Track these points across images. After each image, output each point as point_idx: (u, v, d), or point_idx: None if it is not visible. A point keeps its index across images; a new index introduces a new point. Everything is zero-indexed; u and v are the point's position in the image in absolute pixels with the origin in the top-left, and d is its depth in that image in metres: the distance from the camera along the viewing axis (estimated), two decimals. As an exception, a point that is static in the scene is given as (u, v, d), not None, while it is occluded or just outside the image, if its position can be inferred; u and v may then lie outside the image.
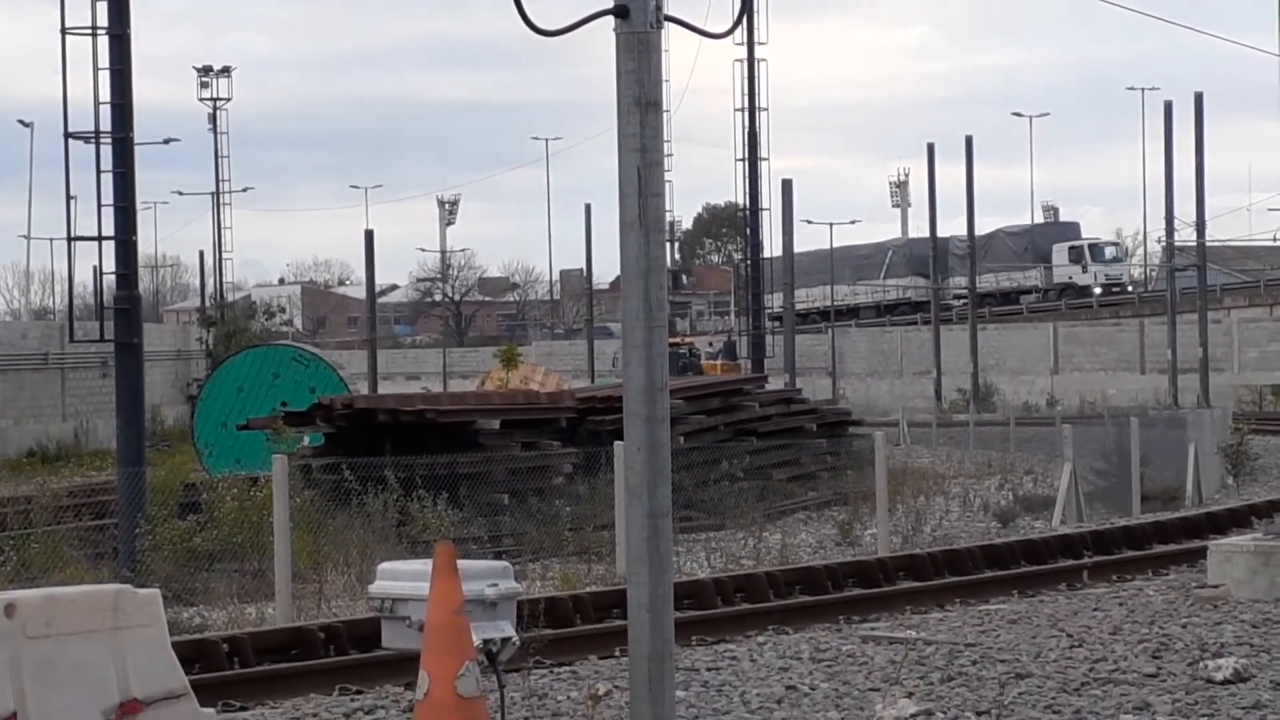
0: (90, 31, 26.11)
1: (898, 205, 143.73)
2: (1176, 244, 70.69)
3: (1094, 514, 28.64)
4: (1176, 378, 66.49)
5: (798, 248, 64.23)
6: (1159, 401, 63.74)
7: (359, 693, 13.66)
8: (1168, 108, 68.80)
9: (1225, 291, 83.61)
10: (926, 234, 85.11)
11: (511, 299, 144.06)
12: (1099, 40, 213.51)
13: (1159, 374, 72.40)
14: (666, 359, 9.02)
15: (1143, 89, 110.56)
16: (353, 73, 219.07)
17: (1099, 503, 29.93)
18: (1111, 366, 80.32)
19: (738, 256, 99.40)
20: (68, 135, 26.81)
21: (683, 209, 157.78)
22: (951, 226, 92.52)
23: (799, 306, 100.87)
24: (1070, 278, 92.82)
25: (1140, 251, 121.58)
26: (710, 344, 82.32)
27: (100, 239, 26.45)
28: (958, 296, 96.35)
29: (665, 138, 8.95)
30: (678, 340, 73.24)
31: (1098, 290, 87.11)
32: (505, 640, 9.88)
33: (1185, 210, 72.07)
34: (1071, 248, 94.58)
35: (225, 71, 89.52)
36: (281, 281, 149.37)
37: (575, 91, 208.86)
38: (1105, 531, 23.74)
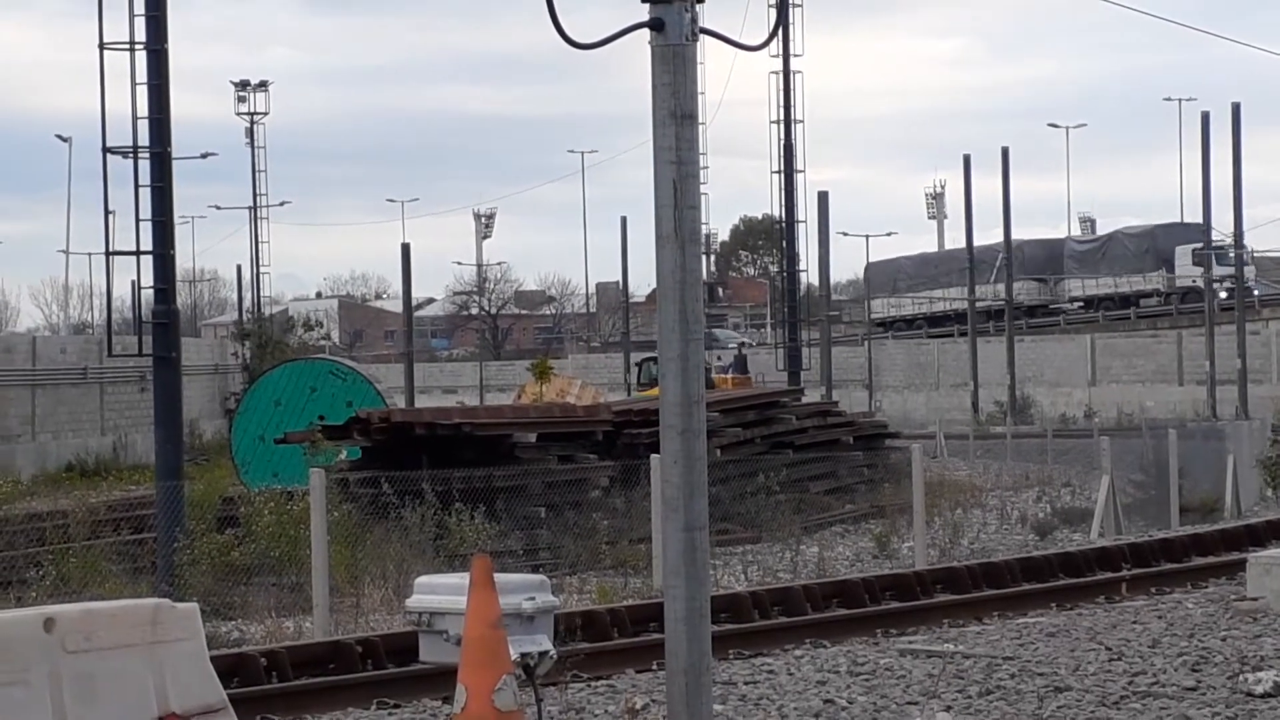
0: (129, 47, 26.25)
1: (934, 217, 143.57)
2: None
3: (1132, 526, 28.54)
4: (1215, 389, 66.33)
5: (873, 254, 64.20)
6: (1197, 413, 63.57)
7: (396, 706, 13.67)
8: (1205, 118, 68.75)
9: (1264, 302, 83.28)
10: (994, 240, 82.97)
11: (548, 312, 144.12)
12: (1136, 51, 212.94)
13: (1197, 385, 72.19)
14: (702, 372, 9.00)
15: (1180, 100, 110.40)
16: (389, 87, 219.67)
17: (1137, 515, 29.83)
18: (1149, 378, 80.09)
19: (774, 269, 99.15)
20: (106, 150, 26.94)
21: (719, 221, 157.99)
22: (989, 238, 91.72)
23: (901, 313, 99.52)
24: (1195, 281, 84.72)
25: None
26: (719, 358, 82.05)
27: (138, 253, 26.57)
28: (1073, 300, 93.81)
29: (701, 150, 8.90)
30: None
31: (1223, 294, 79.78)
32: (542, 654, 9.87)
33: (1223, 221, 71.96)
34: (1196, 250, 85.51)
35: (263, 86, 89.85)
36: (318, 295, 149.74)
37: (611, 104, 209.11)
38: (1143, 544, 23.65)
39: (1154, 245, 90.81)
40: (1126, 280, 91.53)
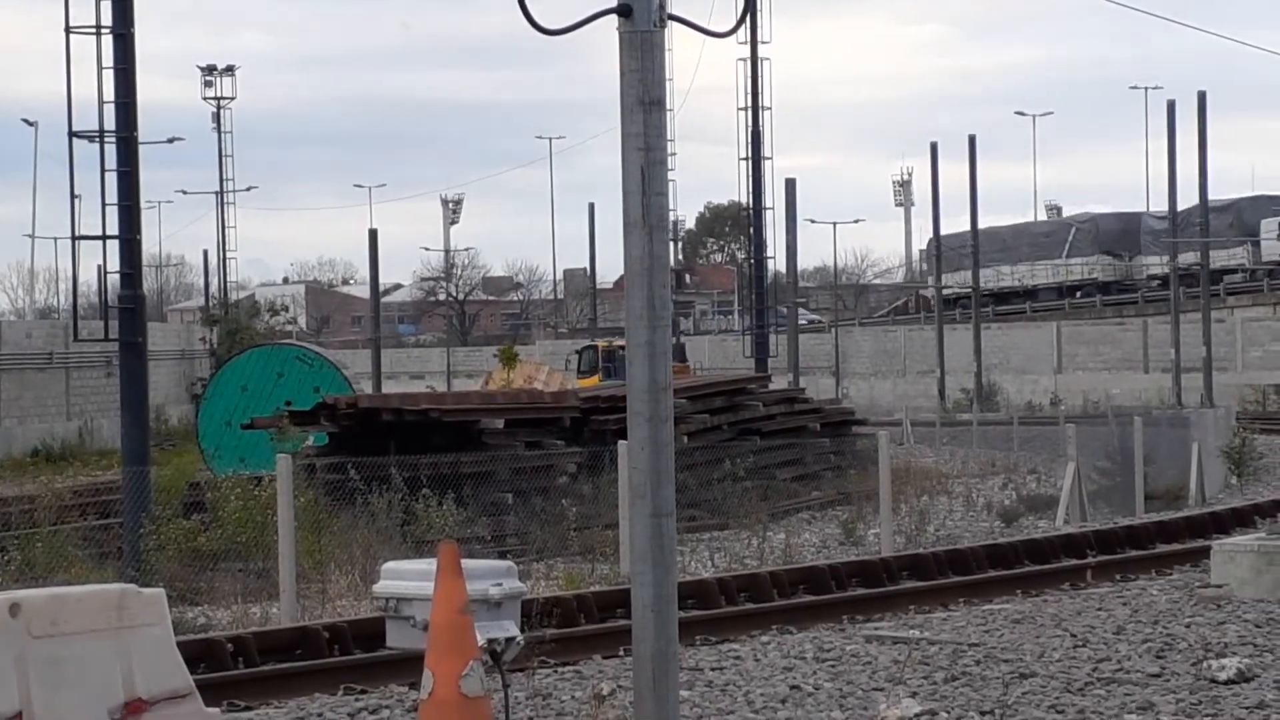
0: (95, 30, 26.15)
1: (901, 204, 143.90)
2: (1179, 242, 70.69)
3: (1097, 514, 28.63)
4: (1180, 377, 66.51)
5: (841, 242, 63.90)
6: (1162, 401, 63.75)
7: (363, 692, 13.67)
8: (1171, 106, 68.88)
9: (1230, 291, 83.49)
10: (1075, 212, 77.98)
11: (515, 298, 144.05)
12: (1102, 39, 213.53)
13: (1163, 373, 72.40)
14: (670, 358, 9.02)
15: (1146, 88, 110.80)
16: (357, 71, 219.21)
17: (1102, 502, 29.93)
18: (1115, 366, 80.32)
19: (741, 255, 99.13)
20: (72, 134, 26.85)
21: (686, 208, 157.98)
22: (955, 224, 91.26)
23: (959, 290, 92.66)
24: None
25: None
26: None
27: (104, 238, 26.49)
28: (1152, 278, 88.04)
29: (669, 137, 8.92)
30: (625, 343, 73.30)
31: None
32: (509, 640, 9.89)
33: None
34: (1161, 236, 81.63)
35: (229, 70, 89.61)
36: (285, 280, 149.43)
37: (579, 90, 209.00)
38: (1109, 531, 23.74)
39: (1239, 219, 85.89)
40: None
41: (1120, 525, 24.79)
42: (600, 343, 73.07)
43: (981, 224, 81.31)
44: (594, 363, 66.82)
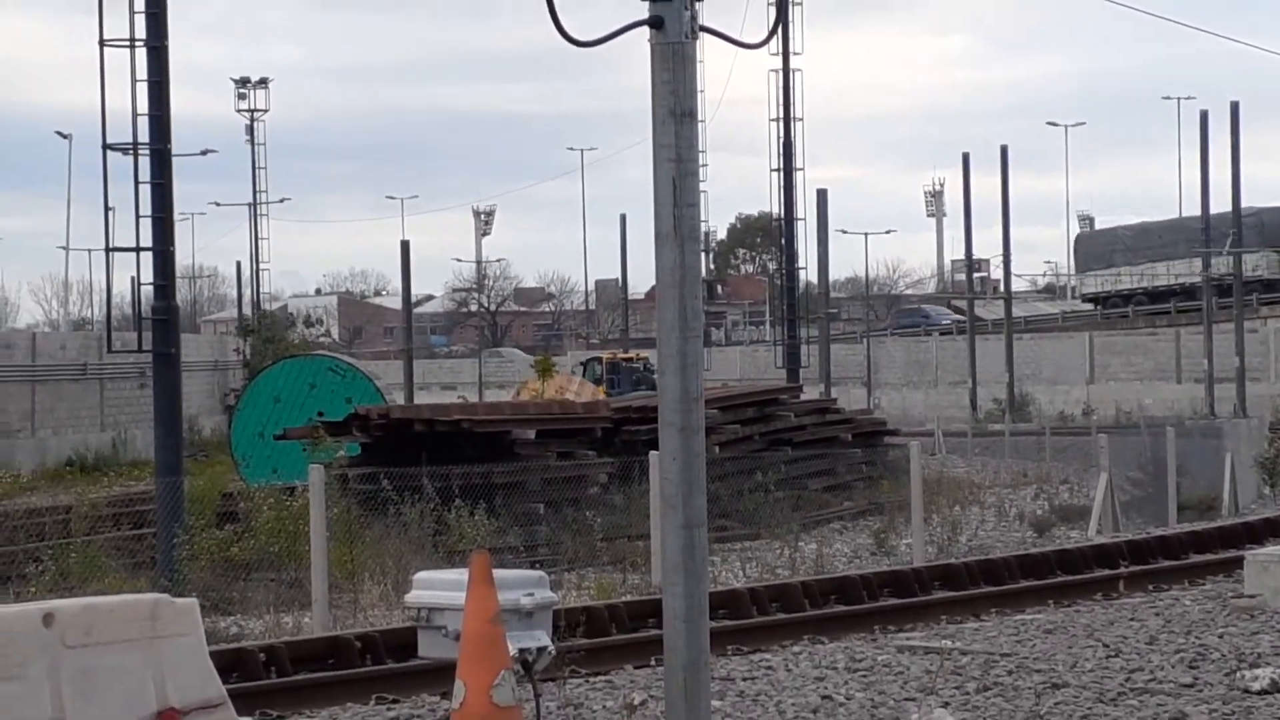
0: (129, 43, 26.24)
1: (933, 215, 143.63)
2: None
3: (1130, 524, 28.56)
4: (1213, 387, 66.31)
5: (872, 254, 63.39)
6: (1195, 411, 63.52)
7: (395, 702, 13.69)
8: (1203, 116, 68.76)
9: (1262, 301, 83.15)
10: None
11: (547, 309, 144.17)
12: (1135, 49, 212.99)
13: (1195, 383, 72.16)
14: (701, 369, 9.03)
15: (1179, 98, 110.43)
16: (389, 84, 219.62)
17: (1135, 512, 29.86)
18: (1148, 376, 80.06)
19: (773, 266, 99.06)
20: (106, 147, 26.94)
21: (717, 219, 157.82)
22: (989, 236, 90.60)
23: (1117, 287, 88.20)
24: None
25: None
26: (646, 358, 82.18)
27: (138, 250, 26.57)
28: None
29: (700, 148, 8.93)
30: (631, 356, 73.57)
31: None
32: (541, 649, 9.90)
33: (1221, 220, 71.88)
34: (1197, 248, 77.54)
35: (263, 83, 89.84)
36: (318, 292, 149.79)
37: (610, 102, 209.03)
38: (1141, 541, 23.69)
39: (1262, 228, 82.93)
40: None
41: (1153, 535, 24.74)
42: (605, 355, 73.28)
43: (972, 235, 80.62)
44: (598, 375, 67.10)
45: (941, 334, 79.30)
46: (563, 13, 8.65)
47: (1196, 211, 75.18)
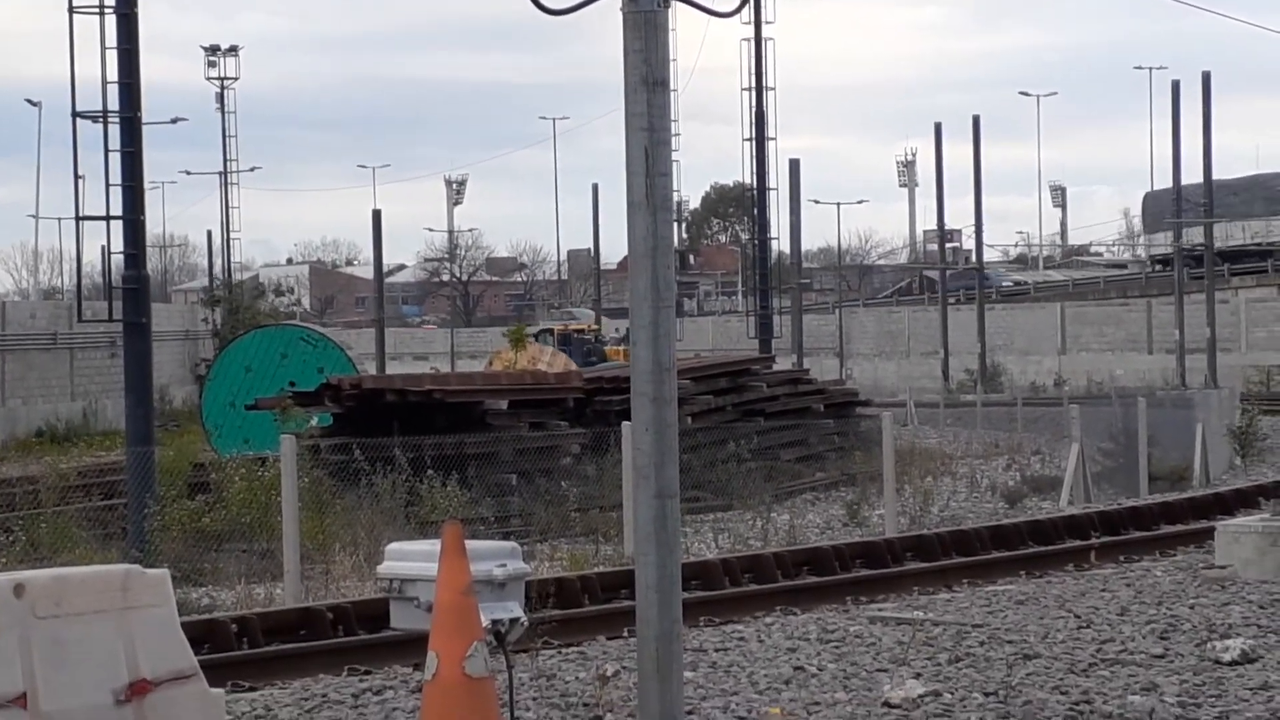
0: (98, 10, 26.11)
1: (905, 185, 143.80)
2: (1184, 223, 70.61)
3: (1101, 495, 28.63)
4: (1184, 358, 66.54)
5: (844, 223, 62.99)
6: (1166, 382, 63.74)
7: (367, 673, 13.67)
8: (1175, 87, 68.88)
9: (1233, 272, 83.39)
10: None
11: (519, 279, 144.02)
12: (1108, 20, 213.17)
13: (1167, 354, 72.40)
14: (674, 339, 9.01)
15: (1150, 68, 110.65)
16: (361, 53, 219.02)
17: (1106, 483, 29.93)
18: (1119, 347, 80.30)
19: (745, 236, 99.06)
20: (76, 115, 26.82)
21: (690, 188, 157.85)
22: (961, 206, 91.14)
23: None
24: None
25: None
26: (616, 330, 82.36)
27: (108, 219, 26.47)
28: None
29: (673, 117, 8.91)
30: (583, 327, 73.79)
31: None
32: (514, 621, 9.89)
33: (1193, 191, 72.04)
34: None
35: (233, 51, 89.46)
36: (289, 261, 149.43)
37: (583, 71, 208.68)
38: (1113, 512, 23.74)
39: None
40: None
41: (1124, 506, 24.79)
42: (556, 326, 73.48)
43: (944, 204, 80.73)
44: (550, 346, 67.32)
45: (1006, 296, 76.03)
46: (536, -19, 8.61)
47: (1168, 183, 75.18)
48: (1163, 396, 39.13)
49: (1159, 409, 33.34)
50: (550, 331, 71.44)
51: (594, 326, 79.43)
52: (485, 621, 9.18)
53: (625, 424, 19.41)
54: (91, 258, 47.84)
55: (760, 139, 59.72)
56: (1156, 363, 74.01)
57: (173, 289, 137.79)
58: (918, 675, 12.65)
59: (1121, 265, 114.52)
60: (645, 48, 8.82)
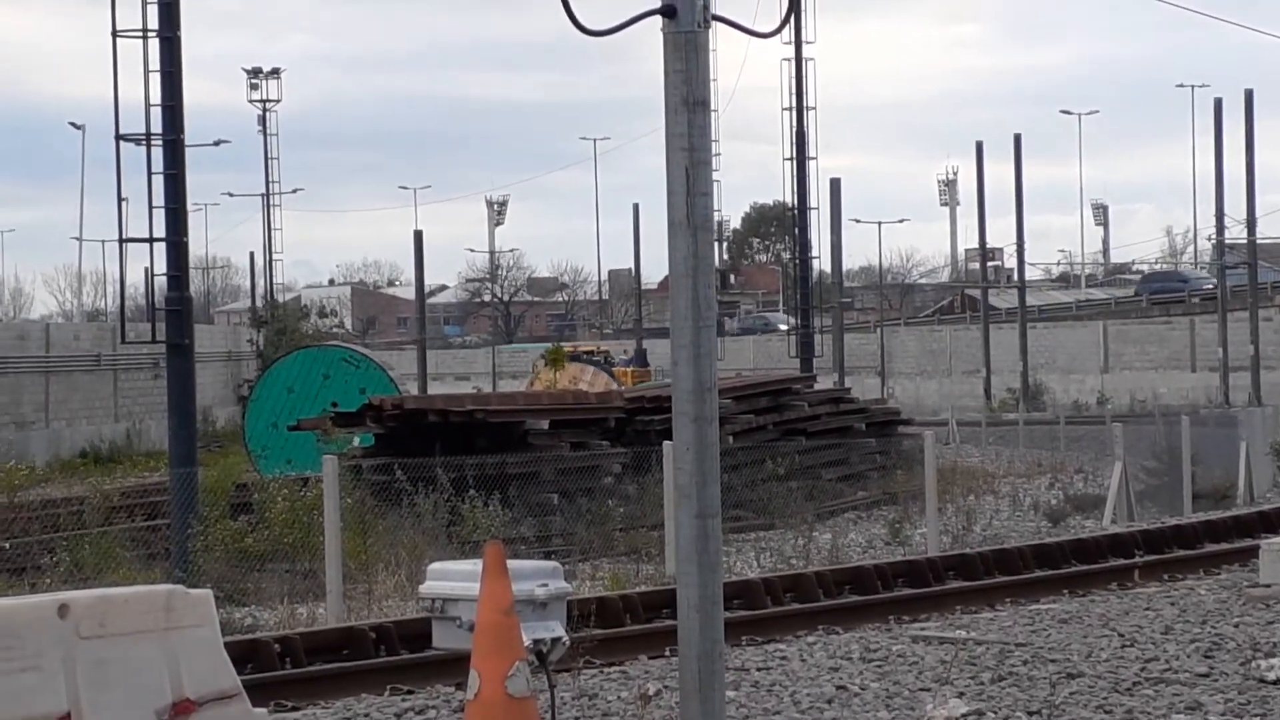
0: (141, 34, 26.25)
1: (946, 204, 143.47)
2: (1227, 241, 70.36)
3: (1145, 513, 28.52)
4: (1228, 376, 66.25)
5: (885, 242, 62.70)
6: (1210, 400, 63.49)
7: (410, 693, 13.69)
8: (1218, 105, 68.66)
9: (1277, 289, 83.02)
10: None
11: (560, 299, 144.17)
12: (1149, 37, 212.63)
13: (1210, 372, 72.09)
14: (715, 358, 9.00)
15: (1193, 86, 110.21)
16: (403, 73, 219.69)
17: (1150, 502, 29.82)
18: (1162, 365, 79.98)
19: (786, 256, 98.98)
20: (119, 137, 26.96)
21: (731, 208, 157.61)
22: (1002, 224, 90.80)
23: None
24: None
25: (1191, 249, 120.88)
26: (625, 352, 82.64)
27: (151, 240, 26.60)
28: None
29: (714, 137, 8.99)
30: (592, 348, 74.15)
31: None
32: (555, 640, 9.89)
33: (1236, 208, 71.80)
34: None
35: (274, 73, 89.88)
36: (331, 282, 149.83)
37: (623, 91, 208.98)
38: (1156, 530, 23.64)
39: None
40: None
41: (1168, 525, 24.69)
42: (566, 346, 73.90)
43: (985, 222, 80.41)
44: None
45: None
46: (576, 2, 8.63)
47: (1210, 202, 74.90)
48: (1206, 415, 39.00)
49: (1202, 427, 33.22)
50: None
51: (603, 348, 79.67)
52: (527, 641, 9.19)
53: (666, 443, 19.42)
54: (135, 280, 48.03)
55: (801, 158, 59.72)
56: (1200, 381, 73.69)
57: (215, 310, 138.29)
58: (961, 694, 12.62)
59: None
60: (686, 68, 8.83)
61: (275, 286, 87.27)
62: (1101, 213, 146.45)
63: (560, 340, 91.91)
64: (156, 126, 26.30)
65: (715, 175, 11.31)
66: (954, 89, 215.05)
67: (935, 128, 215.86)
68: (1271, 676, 12.99)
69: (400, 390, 39.14)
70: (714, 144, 8.29)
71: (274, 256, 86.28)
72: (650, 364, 77.49)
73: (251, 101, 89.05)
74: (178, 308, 26.53)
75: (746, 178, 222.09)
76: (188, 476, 24.87)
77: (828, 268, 69.99)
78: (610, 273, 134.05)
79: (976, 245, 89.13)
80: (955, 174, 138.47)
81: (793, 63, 59.90)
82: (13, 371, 53.55)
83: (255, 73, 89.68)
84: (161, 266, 26.70)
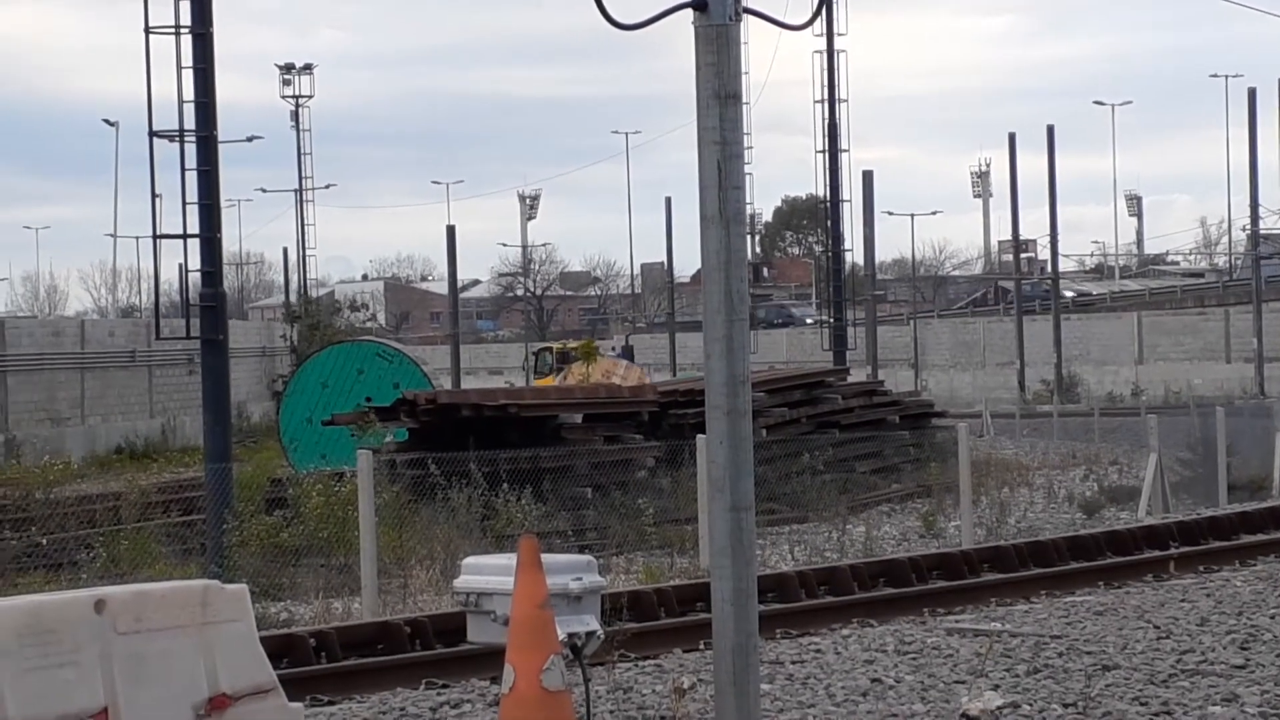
0: (174, 31, 26.30)
1: (979, 195, 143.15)
2: (1262, 231, 70.08)
3: (1180, 504, 28.44)
4: (1263, 366, 66.02)
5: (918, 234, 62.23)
6: (1245, 390, 63.29)
7: (445, 687, 13.72)
8: (1251, 95, 68.42)
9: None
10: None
11: (593, 293, 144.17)
12: (1182, 27, 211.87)
13: (1244, 363, 71.83)
14: (748, 352, 9.00)
15: (1226, 76, 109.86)
16: (435, 69, 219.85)
17: (1185, 493, 29.74)
18: (1196, 356, 79.73)
19: (819, 249, 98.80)
20: (152, 134, 27.01)
21: (763, 201, 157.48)
22: (1036, 216, 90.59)
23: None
24: None
25: (1225, 239, 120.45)
26: (613, 348, 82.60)
27: (185, 237, 26.66)
28: None
29: (745, 130, 9.00)
30: (576, 347, 74.39)
31: None
32: (590, 634, 9.90)
33: (1271, 198, 71.43)
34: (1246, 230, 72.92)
35: (307, 69, 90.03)
36: (365, 277, 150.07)
37: (655, 85, 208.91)
38: (1191, 522, 23.59)
39: None
40: None
41: (1203, 516, 24.62)
42: (555, 345, 74.01)
43: (1018, 215, 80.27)
44: (550, 364, 67.75)
45: (1081, 306, 72.37)
46: (607, -4, 8.63)
47: (1244, 193, 74.66)
48: (1241, 406, 38.89)
49: (1237, 418, 33.11)
50: (550, 350, 72.11)
51: (594, 344, 79.85)
52: (561, 635, 9.20)
53: (700, 437, 19.42)
54: (169, 276, 48.11)
55: (833, 151, 59.64)
56: (1234, 372, 73.42)
57: (249, 306, 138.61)
58: (996, 687, 12.61)
59: (1199, 274, 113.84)
60: (717, 61, 8.83)
61: (309, 282, 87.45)
62: (1136, 204, 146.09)
63: (593, 335, 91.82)
64: (190, 123, 26.35)
65: (747, 168, 11.31)
66: (986, 81, 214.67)
67: (967, 120, 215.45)
68: (1308, 668, 12.94)
69: (434, 385, 39.16)
70: (746, 137, 8.26)
71: (307, 252, 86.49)
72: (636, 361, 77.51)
73: (284, 97, 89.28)
74: (212, 304, 26.59)
75: (779, 171, 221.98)
76: (223, 472, 24.93)
77: (860, 260, 69.91)
78: (643, 266, 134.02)
79: (1010, 237, 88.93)
80: (988, 166, 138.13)
81: (824, 55, 59.82)
82: (48, 368, 53.75)
83: (288, 69, 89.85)
84: (195, 262, 26.75)
